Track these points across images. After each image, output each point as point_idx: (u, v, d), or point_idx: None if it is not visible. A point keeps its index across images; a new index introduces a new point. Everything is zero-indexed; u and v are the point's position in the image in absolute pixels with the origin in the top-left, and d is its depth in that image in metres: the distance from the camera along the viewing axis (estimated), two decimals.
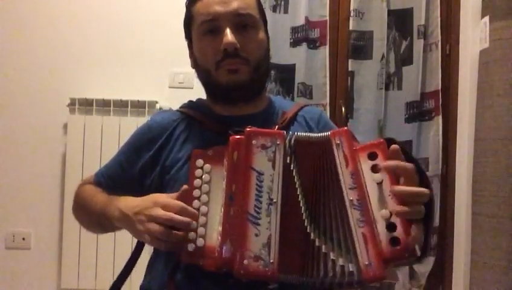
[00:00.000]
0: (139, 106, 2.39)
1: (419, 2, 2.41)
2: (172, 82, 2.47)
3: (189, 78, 2.41)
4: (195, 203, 0.88)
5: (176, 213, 0.85)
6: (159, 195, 0.91)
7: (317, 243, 0.80)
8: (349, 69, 2.42)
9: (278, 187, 0.81)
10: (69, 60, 2.46)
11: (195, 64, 1.07)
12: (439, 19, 2.41)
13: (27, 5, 2.47)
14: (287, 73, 2.38)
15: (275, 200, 0.80)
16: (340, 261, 0.79)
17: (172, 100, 2.32)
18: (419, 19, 2.41)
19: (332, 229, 0.81)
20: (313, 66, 2.41)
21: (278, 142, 0.83)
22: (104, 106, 2.40)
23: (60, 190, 2.40)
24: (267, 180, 0.81)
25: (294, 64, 2.39)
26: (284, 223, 0.80)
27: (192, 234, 0.85)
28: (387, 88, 2.43)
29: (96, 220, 1.04)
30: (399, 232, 0.77)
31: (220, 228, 0.84)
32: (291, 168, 0.83)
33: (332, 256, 0.79)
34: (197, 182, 0.89)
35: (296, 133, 0.86)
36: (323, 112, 1.16)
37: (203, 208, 0.87)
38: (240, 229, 0.79)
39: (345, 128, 0.86)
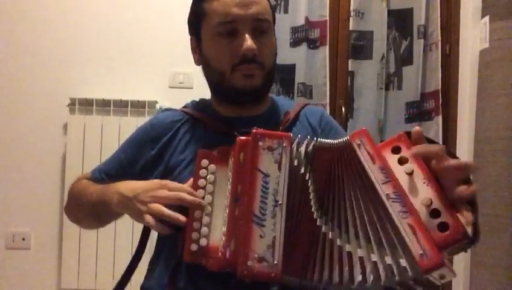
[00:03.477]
0: (139, 106, 2.39)
1: (419, 2, 2.41)
2: (172, 82, 2.47)
3: (189, 78, 2.42)
4: None
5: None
6: (165, 180, 0.92)
7: (338, 243, 0.78)
8: (349, 69, 2.42)
9: (284, 189, 0.80)
10: (69, 60, 2.46)
11: (202, 62, 1.05)
12: (439, 19, 2.41)
13: (27, 5, 2.47)
14: (287, 73, 2.39)
15: (280, 202, 0.80)
16: (387, 260, 0.74)
17: (172, 100, 2.32)
18: (419, 19, 2.41)
19: (365, 228, 0.77)
20: (313, 66, 2.41)
21: (285, 144, 0.82)
22: (104, 106, 2.40)
23: (59, 189, 2.40)
24: (273, 182, 0.80)
25: (294, 64, 2.39)
26: (291, 226, 0.80)
27: (195, 234, 0.85)
28: (387, 88, 2.43)
29: (91, 211, 1.03)
30: (445, 216, 0.73)
31: (224, 229, 0.84)
32: (302, 171, 0.82)
33: (360, 254, 0.76)
34: (201, 182, 0.89)
35: (316, 140, 0.85)
36: (324, 111, 1.16)
37: (207, 208, 0.87)
38: (245, 230, 0.79)
39: (363, 128, 0.83)
